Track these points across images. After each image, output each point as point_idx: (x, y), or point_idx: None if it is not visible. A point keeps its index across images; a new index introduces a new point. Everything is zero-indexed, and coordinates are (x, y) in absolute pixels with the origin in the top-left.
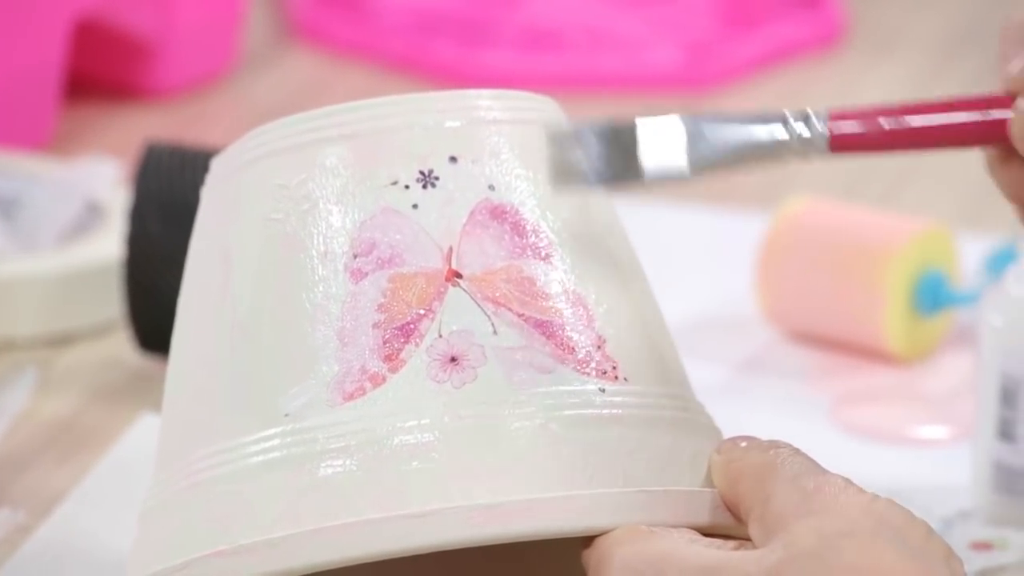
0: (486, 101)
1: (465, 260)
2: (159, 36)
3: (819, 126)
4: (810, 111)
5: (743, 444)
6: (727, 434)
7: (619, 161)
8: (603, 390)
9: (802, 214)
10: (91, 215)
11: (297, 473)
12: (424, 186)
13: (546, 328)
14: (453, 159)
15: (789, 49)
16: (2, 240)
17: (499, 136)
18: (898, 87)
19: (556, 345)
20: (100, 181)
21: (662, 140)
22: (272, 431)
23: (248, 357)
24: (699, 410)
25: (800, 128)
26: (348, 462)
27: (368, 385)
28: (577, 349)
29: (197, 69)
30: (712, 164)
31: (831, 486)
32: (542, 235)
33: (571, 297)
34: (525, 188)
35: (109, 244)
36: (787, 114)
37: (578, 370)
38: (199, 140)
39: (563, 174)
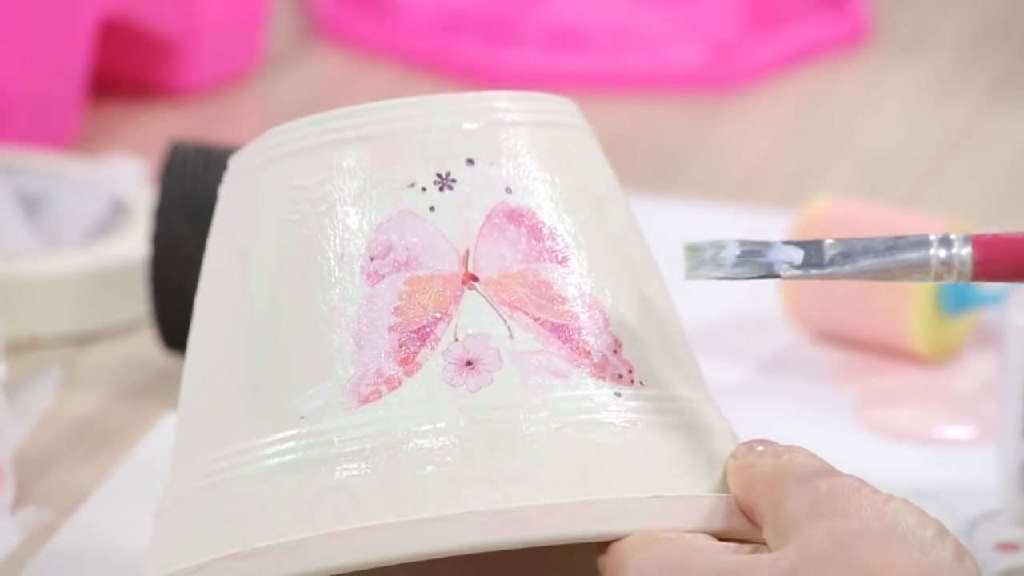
0: (504, 103)
1: (481, 263)
2: (184, 35)
3: (963, 254)
4: (952, 237)
5: (759, 448)
6: (749, 435)
7: (755, 258)
8: (619, 394)
9: (827, 214)
10: (116, 214)
11: (312, 476)
12: (441, 188)
13: (562, 332)
14: (470, 161)
15: (813, 49)
16: (27, 239)
17: (517, 138)
18: (923, 87)
19: (572, 349)
20: (125, 180)
21: (798, 247)
22: (287, 433)
23: (264, 358)
24: (715, 414)
25: (943, 254)
26: (363, 465)
27: (384, 388)
28: (593, 353)
29: (222, 68)
30: (847, 268)
31: (844, 488)
32: (559, 238)
33: (587, 301)
34: (542, 191)
35: (134, 243)
36: (931, 239)
37: (594, 374)
38: (223, 139)
39: (696, 267)
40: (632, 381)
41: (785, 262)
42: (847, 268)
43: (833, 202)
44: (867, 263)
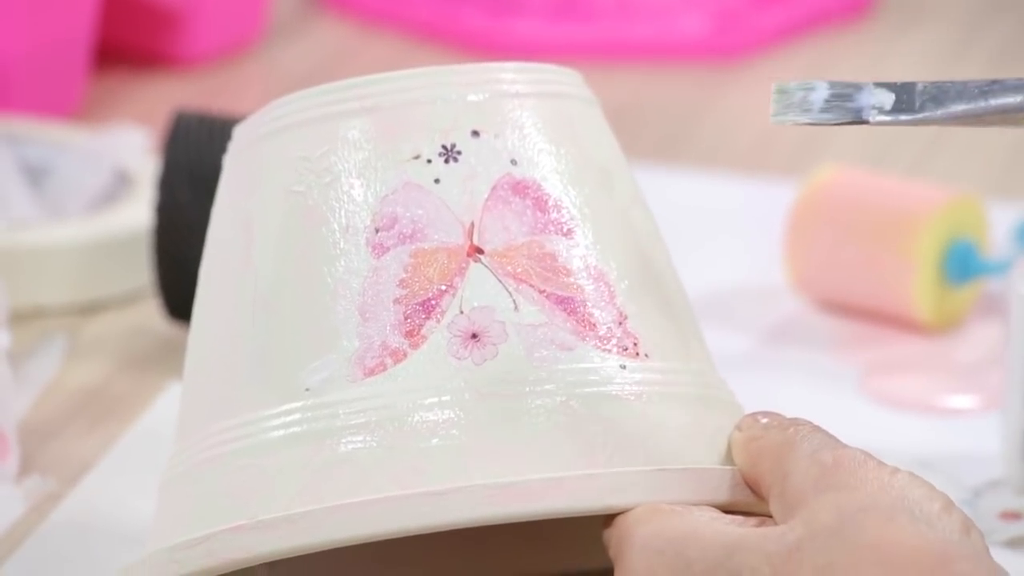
0: (509, 74)
1: (487, 235)
2: (188, 5)
3: None
4: None
5: (764, 421)
6: (753, 405)
7: (844, 102)
8: (624, 367)
9: (832, 183)
10: (120, 183)
11: (317, 448)
12: (446, 160)
13: (567, 304)
14: (475, 133)
15: (818, 18)
16: (31, 208)
17: (522, 110)
18: (928, 57)
19: (577, 321)
20: (129, 149)
21: (890, 90)
22: (292, 405)
23: (269, 330)
24: (720, 386)
25: None
26: (368, 438)
27: (389, 361)
28: (598, 325)
29: (226, 38)
30: (941, 112)
31: (850, 460)
32: (564, 210)
33: (592, 273)
34: (548, 163)
35: (138, 212)
36: None
37: (599, 347)
38: (228, 109)
39: (783, 110)
40: (638, 354)
41: (875, 107)
42: (939, 113)
43: (838, 171)
44: (960, 108)
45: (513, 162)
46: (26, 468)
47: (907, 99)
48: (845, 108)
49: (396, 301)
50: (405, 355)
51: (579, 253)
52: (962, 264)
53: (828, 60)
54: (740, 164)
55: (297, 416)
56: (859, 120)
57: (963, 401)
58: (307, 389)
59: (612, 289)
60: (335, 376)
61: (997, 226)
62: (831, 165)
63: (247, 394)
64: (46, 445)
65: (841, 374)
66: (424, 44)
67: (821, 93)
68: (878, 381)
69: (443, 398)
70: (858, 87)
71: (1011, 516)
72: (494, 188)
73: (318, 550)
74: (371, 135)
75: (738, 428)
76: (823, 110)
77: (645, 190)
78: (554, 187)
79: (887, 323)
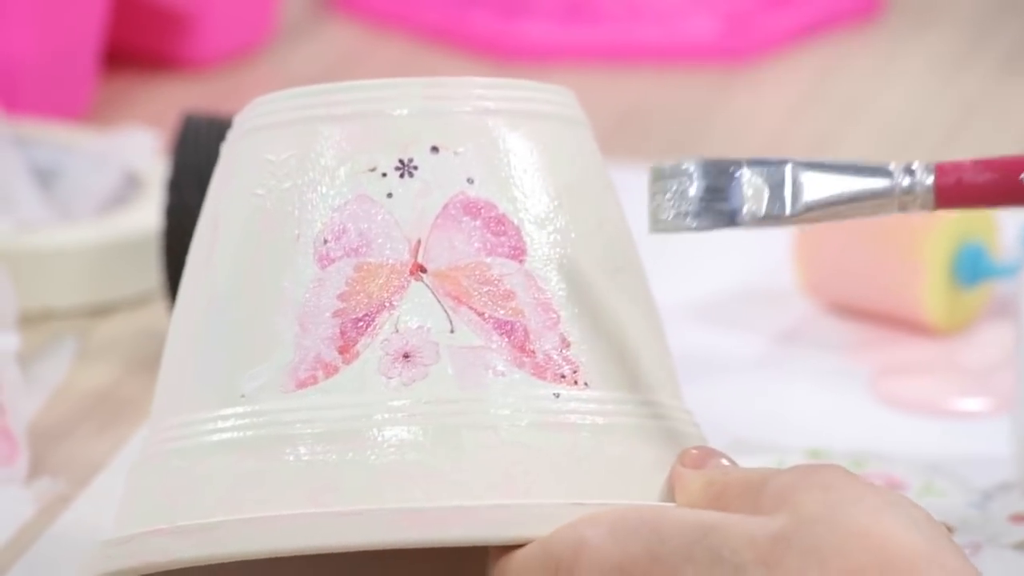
0: (483, 90)
1: (432, 254)
2: (197, 7)
3: (925, 180)
4: (915, 164)
5: (724, 462)
6: (764, 408)
7: (716, 203)
8: (557, 395)
9: None
10: (129, 186)
11: (242, 457)
12: (402, 175)
13: (506, 328)
14: (435, 149)
15: (827, 20)
16: (41, 210)
17: (489, 127)
18: (937, 59)
19: (515, 347)
20: (138, 152)
21: (762, 184)
22: (228, 411)
23: (219, 331)
24: (675, 416)
25: (905, 181)
26: (290, 451)
27: (320, 374)
28: (537, 352)
29: (235, 40)
30: (811, 212)
31: (833, 468)
32: (516, 232)
33: (538, 297)
34: (506, 183)
35: (147, 215)
36: (891, 168)
37: (534, 374)
38: (236, 111)
39: (658, 215)
40: (576, 382)
41: (748, 212)
42: (811, 215)
43: None
44: (825, 200)
45: (470, 180)
46: (36, 470)
47: (777, 199)
48: (718, 211)
49: (335, 314)
50: (336, 369)
51: (526, 277)
52: (972, 267)
53: (838, 61)
54: None
55: (231, 423)
56: (732, 225)
57: (973, 404)
58: (243, 395)
59: (557, 315)
60: (269, 385)
61: (1007, 229)
62: None
63: (192, 394)
64: (56, 447)
65: (851, 377)
66: (433, 47)
67: (695, 188)
68: (888, 384)
69: (368, 416)
70: (730, 175)
71: (1021, 519)
72: (446, 206)
73: (231, 560)
74: (334, 143)
75: (690, 466)
76: (697, 213)
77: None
78: (509, 207)
79: (897, 326)
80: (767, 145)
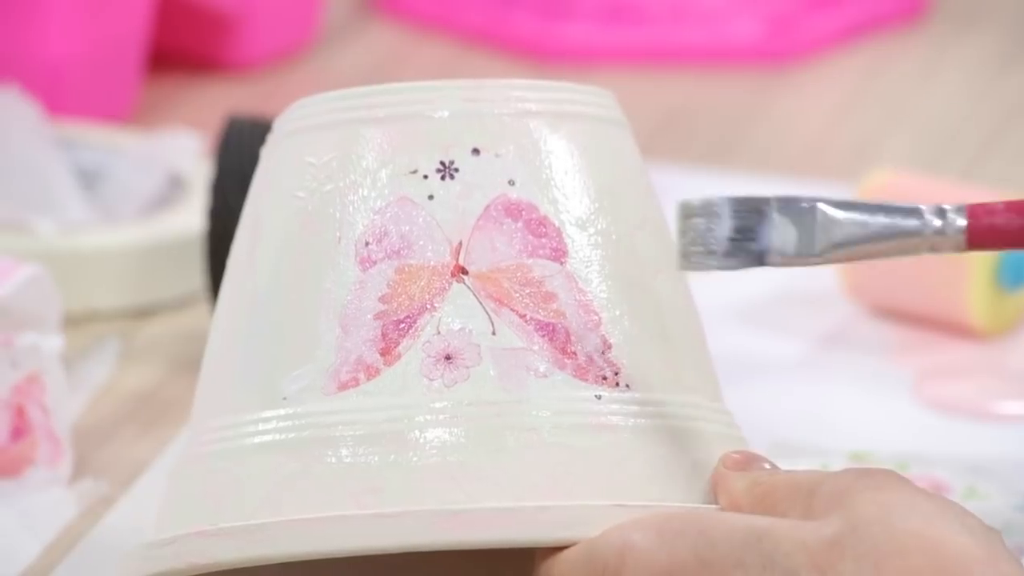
0: (520, 92)
1: (473, 256)
2: (241, 9)
3: (956, 222)
4: (946, 206)
5: (766, 466)
6: (807, 410)
7: (746, 243)
8: (599, 397)
9: (885, 187)
10: (173, 188)
11: (285, 459)
12: (443, 177)
13: (548, 330)
14: (476, 151)
15: (871, 22)
16: (84, 212)
17: (529, 129)
18: (981, 61)
19: (556, 348)
20: (182, 154)
21: (791, 224)
22: (270, 413)
23: (260, 333)
24: (716, 418)
25: (936, 222)
26: (332, 453)
27: (362, 376)
28: (578, 354)
29: (278, 42)
30: (840, 252)
31: (885, 472)
32: (557, 234)
33: (580, 299)
34: (547, 184)
35: (191, 217)
36: (922, 209)
37: (576, 375)
38: (280, 113)
39: (687, 254)
40: (617, 384)
41: (777, 251)
42: (840, 254)
43: (892, 175)
44: (858, 225)
45: (511, 182)
46: (79, 471)
47: (807, 239)
48: (747, 251)
49: (376, 316)
50: (378, 372)
51: (568, 279)
52: (1016, 269)
53: (881, 64)
54: (793, 168)
55: (273, 425)
56: (760, 264)
57: (1017, 407)
58: (285, 398)
59: (598, 317)
60: (311, 387)
61: None
62: (885, 169)
63: (234, 396)
64: (99, 448)
65: (894, 380)
66: (475, 48)
67: (724, 227)
68: (931, 387)
69: (409, 418)
70: (760, 214)
71: None
72: (487, 208)
73: (273, 562)
74: (375, 146)
75: (731, 468)
76: (727, 253)
77: (698, 195)
78: (550, 209)
79: (940, 328)
80: (812, 146)
